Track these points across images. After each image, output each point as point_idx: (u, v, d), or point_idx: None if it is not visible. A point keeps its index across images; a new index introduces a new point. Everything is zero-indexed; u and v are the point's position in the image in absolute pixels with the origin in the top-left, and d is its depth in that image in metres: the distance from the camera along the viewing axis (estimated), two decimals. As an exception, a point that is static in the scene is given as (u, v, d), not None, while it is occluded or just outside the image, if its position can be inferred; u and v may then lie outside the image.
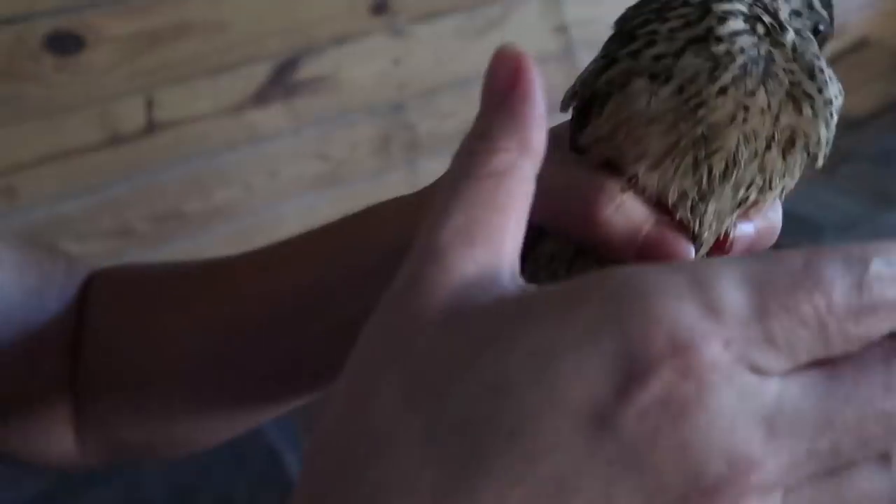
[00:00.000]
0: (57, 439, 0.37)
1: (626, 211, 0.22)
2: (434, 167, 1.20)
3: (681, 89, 0.20)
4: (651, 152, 0.21)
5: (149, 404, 0.35)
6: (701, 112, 0.20)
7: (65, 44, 0.82)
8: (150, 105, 0.91)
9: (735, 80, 0.20)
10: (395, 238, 0.27)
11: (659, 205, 0.22)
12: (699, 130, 0.20)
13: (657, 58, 0.21)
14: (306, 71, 1.00)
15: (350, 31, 1.02)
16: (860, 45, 1.65)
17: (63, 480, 1.05)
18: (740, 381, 0.14)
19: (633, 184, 0.21)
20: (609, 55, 0.23)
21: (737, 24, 0.20)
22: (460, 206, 0.17)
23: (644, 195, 0.21)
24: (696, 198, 0.21)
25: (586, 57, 1.06)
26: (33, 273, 0.36)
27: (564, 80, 1.06)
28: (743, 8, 0.21)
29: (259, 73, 0.97)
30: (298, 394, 0.34)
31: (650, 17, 0.22)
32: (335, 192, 1.11)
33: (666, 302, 0.14)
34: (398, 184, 1.18)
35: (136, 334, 0.35)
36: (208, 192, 1.00)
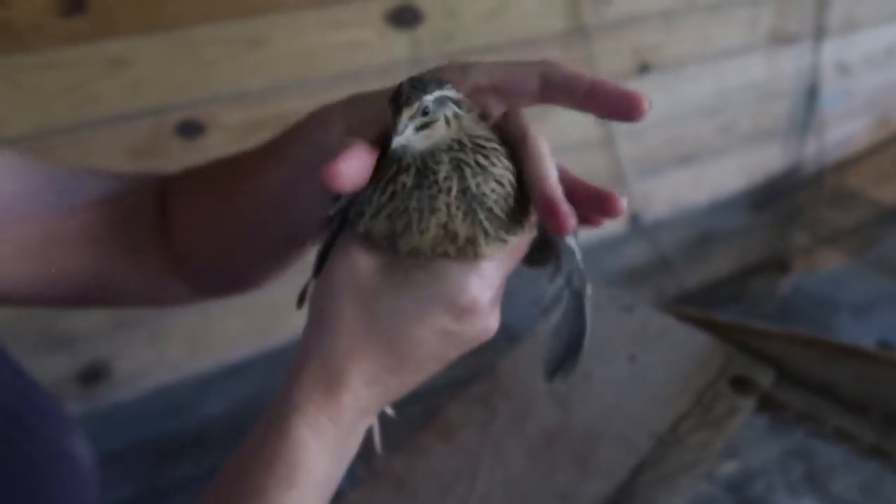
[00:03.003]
0: (174, 290, 0.54)
1: None
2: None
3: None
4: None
5: (219, 261, 0.52)
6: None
7: (190, 130, 1.03)
8: (250, 178, 1.11)
9: (407, 225, 0.32)
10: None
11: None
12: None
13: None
14: (377, 152, 1.19)
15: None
16: (901, 138, 1.73)
17: (150, 487, 1.22)
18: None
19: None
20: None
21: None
22: None
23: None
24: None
25: (625, 144, 1.28)
26: (117, 181, 0.52)
27: (606, 164, 1.29)
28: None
29: (338, 153, 1.16)
30: (302, 248, 0.50)
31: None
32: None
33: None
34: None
35: (200, 217, 0.51)
36: (291, 250, 1.19)
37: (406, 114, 0.31)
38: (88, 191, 0.50)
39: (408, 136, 0.31)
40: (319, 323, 0.36)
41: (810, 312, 1.40)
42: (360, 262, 0.35)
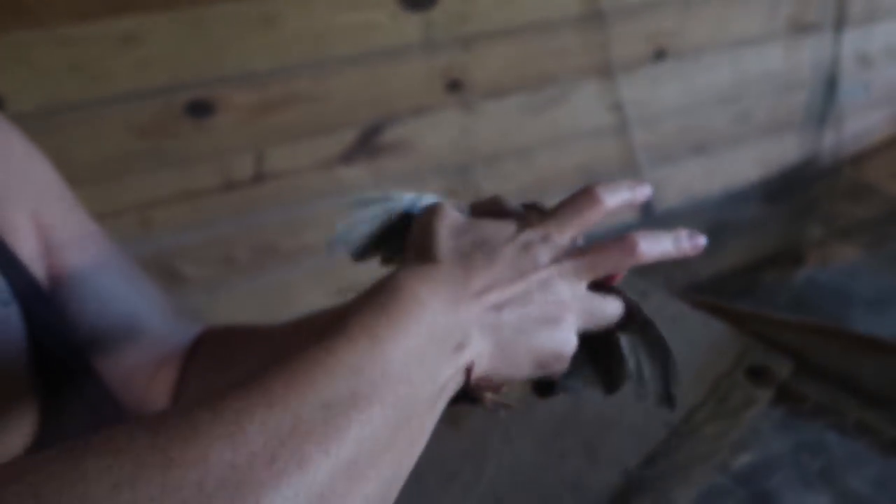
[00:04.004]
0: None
1: None
2: (495, 223, 1.34)
3: None
4: None
5: None
6: None
7: (200, 109, 1.03)
8: (259, 159, 1.10)
9: None
10: None
11: None
12: None
13: None
14: (388, 136, 1.18)
15: (427, 104, 1.19)
16: (921, 131, 1.70)
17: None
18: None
19: None
20: None
21: None
22: None
23: None
24: None
25: (639, 132, 1.26)
26: (175, 317, 0.55)
27: (619, 152, 1.27)
28: None
29: (348, 136, 1.15)
30: None
31: None
32: (406, 239, 1.27)
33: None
34: (461, 236, 1.33)
35: (212, 382, 0.52)
36: (299, 233, 1.18)
37: None
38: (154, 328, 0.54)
39: None
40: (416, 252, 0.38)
41: (823, 306, 1.38)
42: (450, 211, 0.40)
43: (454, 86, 1.19)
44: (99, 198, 1.02)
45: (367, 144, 1.16)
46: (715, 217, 1.58)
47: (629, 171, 1.41)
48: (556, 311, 0.37)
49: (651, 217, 1.49)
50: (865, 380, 0.51)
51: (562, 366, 0.38)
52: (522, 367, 0.36)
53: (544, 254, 0.37)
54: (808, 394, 0.52)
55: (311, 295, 1.20)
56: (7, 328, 0.43)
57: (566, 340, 0.37)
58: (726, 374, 0.53)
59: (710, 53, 1.42)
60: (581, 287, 0.38)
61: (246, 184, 1.10)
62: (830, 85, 1.58)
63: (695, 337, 0.56)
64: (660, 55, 1.36)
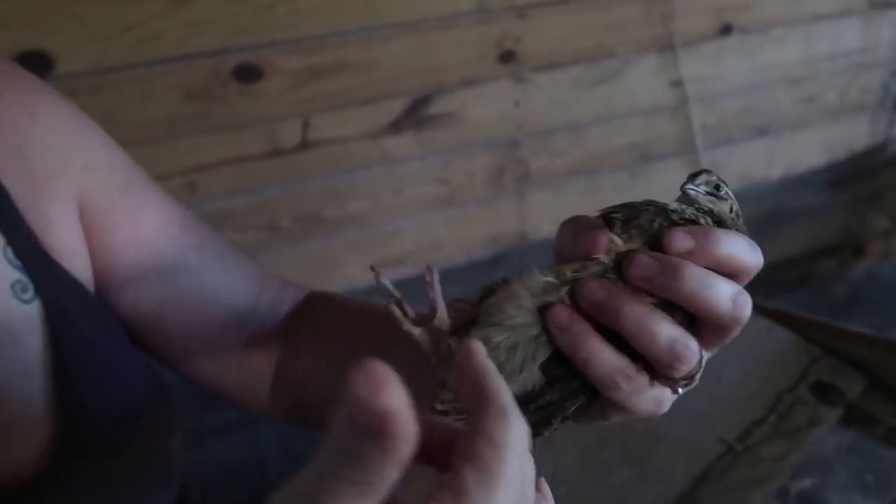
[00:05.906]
0: (261, 399, 0.53)
1: None
2: (541, 199, 1.31)
3: None
4: None
5: (311, 393, 0.50)
6: None
7: (248, 74, 1.01)
8: (305, 126, 1.08)
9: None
10: None
11: None
12: None
13: None
14: (437, 107, 1.15)
15: (478, 75, 1.15)
16: None
17: (199, 427, 1.24)
18: None
19: None
20: None
21: None
22: None
23: None
24: None
25: (699, 111, 1.20)
26: (259, 285, 0.52)
27: (676, 131, 1.21)
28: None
29: (397, 106, 1.12)
30: None
31: None
32: (450, 212, 1.25)
33: None
34: (507, 211, 1.30)
35: (312, 344, 0.51)
36: (343, 202, 1.16)
37: (704, 177, 0.38)
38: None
39: (698, 191, 0.37)
40: None
41: (882, 301, 1.32)
42: None
43: (507, 56, 1.15)
44: (146, 160, 1.00)
45: (415, 115, 1.14)
46: (773, 203, 1.51)
47: (686, 151, 1.36)
48: None
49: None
50: (943, 405, 0.47)
51: None
52: None
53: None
54: (879, 416, 0.47)
55: (352, 266, 1.19)
56: (25, 326, 0.40)
57: None
58: (790, 388, 0.49)
59: (780, 29, 1.34)
60: None
61: (292, 151, 1.09)
62: (908, 66, 1.49)
63: (758, 346, 0.52)
64: (726, 30, 1.29)
